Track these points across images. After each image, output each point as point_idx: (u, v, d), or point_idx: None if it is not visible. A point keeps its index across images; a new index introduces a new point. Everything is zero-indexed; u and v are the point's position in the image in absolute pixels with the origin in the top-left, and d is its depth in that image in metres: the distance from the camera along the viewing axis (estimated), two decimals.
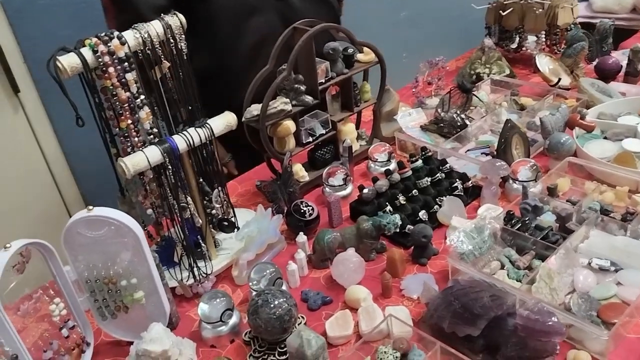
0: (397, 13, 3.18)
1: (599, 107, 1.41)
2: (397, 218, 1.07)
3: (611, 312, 0.88)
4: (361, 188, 1.19)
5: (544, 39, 1.76)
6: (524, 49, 1.81)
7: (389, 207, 1.16)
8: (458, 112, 1.42)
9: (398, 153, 1.43)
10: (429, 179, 1.23)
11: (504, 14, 1.76)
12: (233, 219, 1.11)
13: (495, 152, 1.29)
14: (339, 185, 1.26)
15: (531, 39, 1.81)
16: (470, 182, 1.24)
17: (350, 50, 1.30)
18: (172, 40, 0.95)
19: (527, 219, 1.06)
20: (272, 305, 0.87)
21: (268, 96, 1.15)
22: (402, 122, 1.44)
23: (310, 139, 1.28)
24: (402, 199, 1.17)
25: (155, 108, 0.99)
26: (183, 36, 0.97)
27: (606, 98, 1.46)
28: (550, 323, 0.77)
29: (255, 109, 1.16)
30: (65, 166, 2.08)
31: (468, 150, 1.39)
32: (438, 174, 1.24)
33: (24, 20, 1.92)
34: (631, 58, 1.61)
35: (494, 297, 0.83)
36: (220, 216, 1.09)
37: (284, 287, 1.01)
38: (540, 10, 1.69)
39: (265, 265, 1.00)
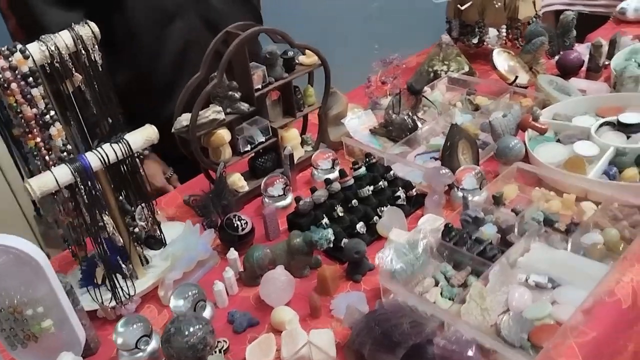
0: (369, 3, 3.12)
1: (554, 107, 1.36)
2: (329, 233, 1.02)
3: (542, 334, 0.83)
4: (298, 199, 1.14)
5: (504, 34, 1.70)
6: (484, 43, 1.75)
7: (325, 220, 1.10)
8: (409, 114, 1.37)
9: (347, 158, 1.38)
10: (371, 188, 1.18)
11: (462, 7, 1.69)
12: (161, 236, 1.06)
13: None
14: (278, 196, 1.21)
15: (493, 33, 1.75)
16: (414, 190, 1.19)
17: (290, 53, 1.24)
18: (83, 52, 0.90)
19: (465, 231, 1.01)
20: (185, 334, 0.82)
21: (197, 105, 1.09)
22: (350, 125, 1.39)
23: (249, 148, 1.23)
24: (340, 210, 1.12)
25: (72, 123, 0.94)
26: (96, 47, 0.91)
27: (564, 97, 1.41)
28: (468, 354, 0.73)
29: (185, 119, 1.11)
30: None
31: (417, 155, 1.34)
32: (380, 183, 1.19)
33: None
34: (592, 53, 1.55)
35: (414, 324, 0.78)
36: (145, 234, 1.04)
37: (208, 309, 0.97)
38: (500, 3, 1.62)
39: (187, 287, 0.95)
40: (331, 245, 1.03)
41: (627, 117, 1.20)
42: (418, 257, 0.96)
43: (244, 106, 1.17)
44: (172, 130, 1.11)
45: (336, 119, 1.41)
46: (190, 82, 1.14)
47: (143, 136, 0.95)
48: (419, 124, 1.39)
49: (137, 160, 0.98)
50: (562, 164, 1.16)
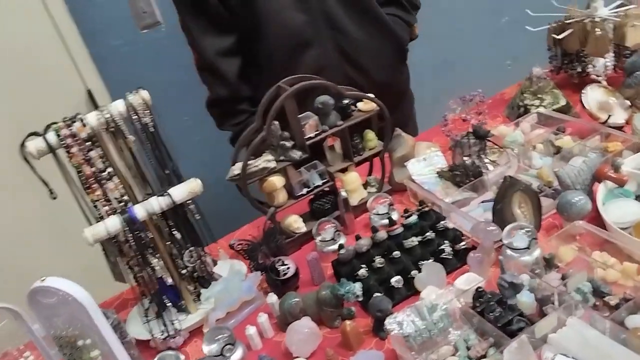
0: (498, 18, 2.97)
1: None
2: (355, 288, 1.03)
3: None
4: (340, 247, 1.16)
5: (609, 63, 1.52)
6: (588, 74, 1.58)
7: (361, 271, 1.11)
8: (474, 159, 1.30)
9: (412, 202, 1.36)
10: (418, 239, 1.16)
11: (558, 37, 1.55)
12: (212, 275, 1.17)
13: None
14: (329, 240, 1.24)
15: (601, 61, 1.58)
16: (463, 243, 1.14)
17: (345, 102, 1.27)
18: (135, 116, 1.03)
19: (498, 297, 0.95)
20: None
21: (247, 156, 1.18)
22: (413, 168, 1.37)
23: (304, 191, 1.28)
24: (379, 261, 1.12)
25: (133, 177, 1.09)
26: (148, 111, 1.04)
27: None
28: None
29: (237, 168, 1.20)
30: None
31: (483, 202, 1.27)
32: (428, 233, 1.16)
33: (110, 65, 2.17)
34: None
35: None
36: (195, 274, 1.15)
37: (239, 351, 1.04)
38: (600, 31, 1.46)
39: (218, 330, 1.04)
40: (359, 299, 1.04)
41: None
42: (436, 321, 0.93)
43: (296, 154, 1.23)
44: (226, 178, 1.21)
45: (402, 160, 1.40)
46: (247, 132, 1.22)
47: (186, 189, 1.06)
48: (486, 168, 1.32)
49: (187, 208, 1.10)
50: (634, 226, 1.02)
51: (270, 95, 1.20)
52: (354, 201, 1.34)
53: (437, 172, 1.37)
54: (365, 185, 1.39)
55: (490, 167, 1.34)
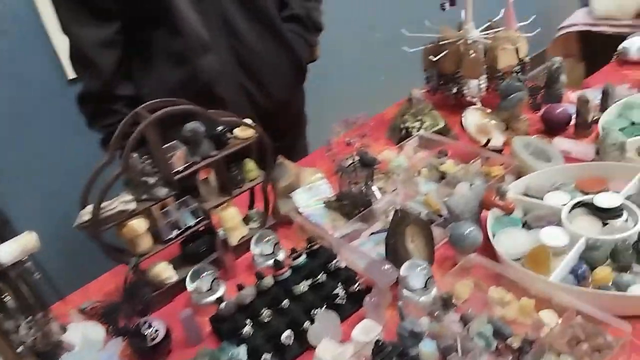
0: (371, 34, 3.00)
1: (527, 178, 1.19)
2: (240, 353, 0.88)
3: None
4: (218, 300, 1.00)
5: (483, 85, 1.53)
6: (463, 95, 1.58)
7: (245, 329, 0.96)
8: (362, 187, 1.22)
9: (300, 237, 1.24)
10: (309, 282, 1.04)
11: (434, 59, 1.54)
12: (60, 346, 0.94)
13: None
14: (206, 291, 1.08)
15: (474, 83, 1.59)
16: (357, 285, 1.03)
17: (219, 129, 1.12)
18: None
19: (399, 349, 0.86)
20: None
21: (99, 198, 0.97)
22: (299, 199, 1.25)
23: (174, 234, 1.10)
24: (267, 314, 0.98)
25: None
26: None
27: (540, 164, 1.24)
28: None
29: (86, 212, 0.99)
30: None
31: (373, 233, 1.19)
32: (320, 276, 1.05)
33: None
34: (579, 108, 1.38)
35: None
36: (36, 348, 0.92)
37: None
38: (474, 53, 1.46)
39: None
40: None
41: (603, 200, 1.02)
42: None
43: (162, 191, 1.05)
44: (74, 225, 0.99)
45: (286, 190, 1.28)
46: (96, 168, 1.02)
47: (17, 248, 0.84)
48: (374, 196, 1.24)
49: (23, 268, 0.87)
50: (525, 256, 1.00)
51: (126, 123, 1.01)
52: (233, 240, 1.19)
53: (324, 203, 1.26)
54: (247, 220, 1.25)
55: (378, 194, 1.27)
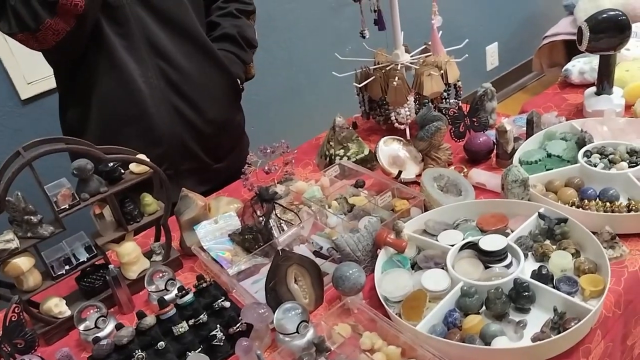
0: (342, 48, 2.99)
1: (429, 214, 1.17)
2: None
3: None
4: (95, 340, 0.99)
5: (410, 112, 1.51)
6: (391, 122, 1.55)
7: None
8: (262, 222, 1.21)
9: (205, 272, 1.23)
10: (190, 323, 1.03)
11: (358, 86, 1.52)
12: None
13: None
14: (92, 328, 1.07)
15: (404, 110, 1.56)
16: (237, 326, 1.02)
17: (111, 165, 1.11)
18: None
19: None
20: None
21: None
22: (203, 232, 1.24)
23: (64, 270, 1.10)
24: (138, 356, 0.97)
25: None
26: None
27: (447, 198, 1.22)
28: None
29: None
30: None
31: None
32: (201, 316, 1.04)
33: None
34: (498, 139, 1.35)
35: None
36: None
37: None
38: (397, 81, 1.44)
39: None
40: None
41: (487, 242, 1.00)
42: None
43: (48, 230, 1.05)
44: None
45: (191, 223, 1.27)
46: None
47: None
48: (281, 230, 1.23)
49: None
50: (402, 304, 0.97)
51: (6, 162, 1.01)
52: (133, 275, 1.18)
53: (229, 236, 1.25)
54: (151, 253, 1.24)
55: (286, 227, 1.25)
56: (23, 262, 1.04)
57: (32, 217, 1.03)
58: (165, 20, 1.41)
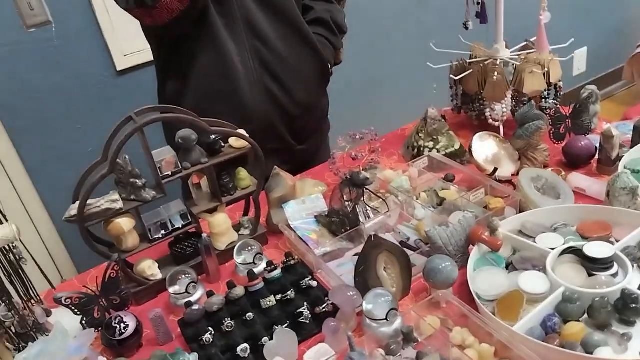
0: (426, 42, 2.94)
1: (525, 215, 1.13)
2: (190, 359, 0.90)
3: None
4: (187, 305, 1.03)
5: (507, 109, 1.46)
6: (485, 117, 1.51)
7: (206, 335, 0.98)
8: (349, 206, 1.21)
9: (290, 248, 1.24)
10: (278, 297, 1.05)
11: (456, 78, 1.49)
12: (40, 329, 1.01)
13: None
14: (182, 293, 1.11)
15: (499, 106, 1.52)
16: (323, 307, 1.03)
17: (213, 137, 1.14)
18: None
19: None
20: None
21: (85, 195, 1.02)
22: (290, 210, 1.25)
23: (160, 235, 1.14)
24: (227, 324, 1.00)
25: None
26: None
27: (545, 200, 1.17)
28: None
29: (74, 208, 1.04)
30: None
31: (357, 255, 1.17)
32: (289, 292, 1.05)
33: None
34: (602, 144, 1.28)
35: None
36: (13, 330, 0.98)
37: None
38: (497, 76, 1.40)
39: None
40: None
41: (593, 249, 0.95)
42: None
43: (150, 194, 1.09)
44: (63, 218, 1.05)
45: (280, 201, 1.29)
46: (90, 165, 1.07)
47: None
48: (367, 216, 1.22)
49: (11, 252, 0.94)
50: (499, 299, 0.95)
51: (118, 126, 1.06)
52: (221, 246, 1.22)
53: (315, 217, 1.26)
54: (239, 227, 1.27)
55: (371, 215, 1.25)
56: (125, 223, 1.08)
57: (137, 181, 1.08)
58: (266, 2, 1.43)
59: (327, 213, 1.25)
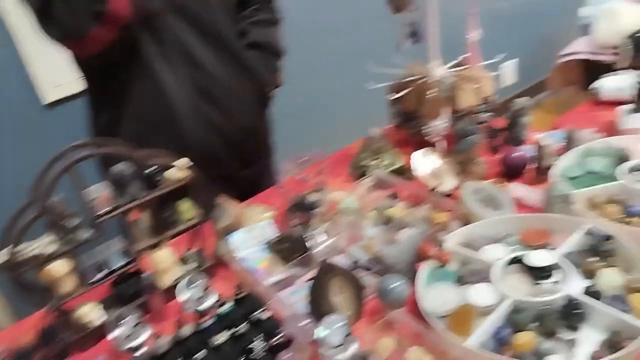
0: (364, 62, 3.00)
1: (470, 228, 1.15)
2: None
3: None
4: (133, 349, 0.97)
5: (444, 125, 1.49)
6: (423, 134, 1.54)
7: None
8: (305, 228, 1.19)
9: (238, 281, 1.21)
10: (229, 334, 1.01)
11: (391, 98, 1.51)
12: None
13: None
14: (126, 337, 1.05)
15: (437, 122, 1.55)
16: (277, 338, 1.00)
17: (151, 169, 1.10)
18: None
19: None
20: None
21: (15, 240, 0.96)
22: (238, 241, 1.23)
23: (99, 276, 1.08)
24: None
25: None
26: None
27: (488, 211, 1.20)
28: None
29: (4, 254, 0.98)
30: None
31: (309, 280, 1.16)
32: (241, 326, 1.01)
33: None
34: (536, 153, 1.33)
35: None
36: None
37: None
38: (433, 93, 1.43)
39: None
40: None
41: (534, 257, 0.98)
42: None
43: (85, 234, 1.04)
44: None
45: (227, 231, 1.25)
46: (19, 208, 1.01)
47: None
48: (313, 241, 1.21)
49: None
50: (449, 318, 0.95)
51: (48, 164, 1.00)
52: (167, 282, 1.17)
53: (265, 245, 1.23)
54: (185, 261, 1.22)
55: (323, 238, 1.23)
56: (59, 267, 1.02)
57: (70, 222, 1.02)
58: (199, 27, 1.41)
59: (276, 240, 1.22)
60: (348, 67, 2.84)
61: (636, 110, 1.46)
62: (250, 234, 1.24)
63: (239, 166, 1.58)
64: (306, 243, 1.19)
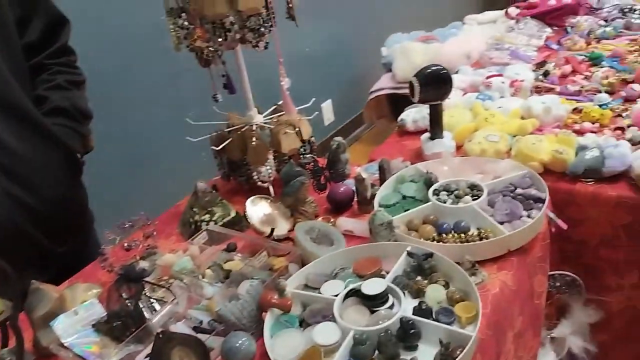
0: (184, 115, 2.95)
1: (308, 268, 1.17)
2: None
3: None
4: None
5: (271, 170, 1.53)
6: (254, 181, 1.55)
7: None
8: (129, 304, 1.11)
9: None
10: None
11: (216, 149, 1.51)
12: None
13: None
14: None
15: (264, 168, 1.57)
16: None
17: None
18: None
19: None
20: None
21: None
22: (62, 327, 1.09)
23: None
24: None
25: None
26: None
27: (322, 249, 1.24)
28: None
29: None
30: None
31: (147, 356, 1.07)
32: None
33: None
34: (357, 186, 1.42)
35: None
36: None
37: None
38: (255, 141, 1.46)
39: None
40: None
41: (368, 286, 1.03)
42: None
43: None
44: None
45: (47, 319, 1.11)
46: None
47: None
48: (153, 309, 1.13)
49: None
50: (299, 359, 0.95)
51: None
52: None
53: (93, 326, 1.12)
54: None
55: (158, 306, 1.16)
56: None
57: None
58: None
59: (105, 318, 1.12)
60: (168, 121, 2.78)
61: (432, 138, 1.64)
62: (75, 317, 1.12)
63: (55, 242, 1.43)
64: (140, 316, 1.11)
